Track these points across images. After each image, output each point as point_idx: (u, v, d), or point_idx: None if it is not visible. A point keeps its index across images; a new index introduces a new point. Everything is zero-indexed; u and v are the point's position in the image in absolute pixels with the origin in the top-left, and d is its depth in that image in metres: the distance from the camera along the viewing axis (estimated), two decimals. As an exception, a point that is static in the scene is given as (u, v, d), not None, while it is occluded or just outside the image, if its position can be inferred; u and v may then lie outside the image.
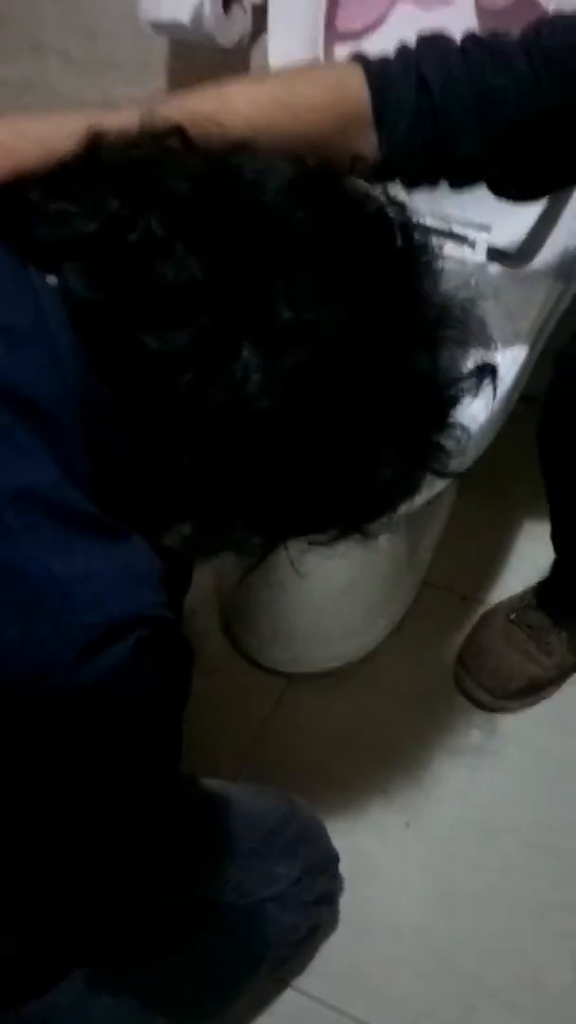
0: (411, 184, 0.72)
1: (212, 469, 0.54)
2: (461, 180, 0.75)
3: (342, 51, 0.99)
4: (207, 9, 1.08)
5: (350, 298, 0.54)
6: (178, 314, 0.51)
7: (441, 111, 0.69)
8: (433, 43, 0.71)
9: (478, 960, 0.98)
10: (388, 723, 1.14)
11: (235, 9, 1.12)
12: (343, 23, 0.97)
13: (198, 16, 1.08)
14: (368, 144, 0.69)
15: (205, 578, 1.17)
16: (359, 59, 0.70)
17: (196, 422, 0.52)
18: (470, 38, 0.71)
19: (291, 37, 0.97)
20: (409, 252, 0.58)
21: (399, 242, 0.58)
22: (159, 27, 1.12)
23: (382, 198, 0.60)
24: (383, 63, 0.70)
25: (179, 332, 0.51)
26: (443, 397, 0.59)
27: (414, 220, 0.59)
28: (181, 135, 0.58)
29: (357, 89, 0.69)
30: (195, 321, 0.51)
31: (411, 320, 0.56)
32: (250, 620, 1.16)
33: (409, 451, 0.58)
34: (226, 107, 0.65)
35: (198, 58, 1.19)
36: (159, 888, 0.83)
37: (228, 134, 0.60)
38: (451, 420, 0.60)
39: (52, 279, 0.53)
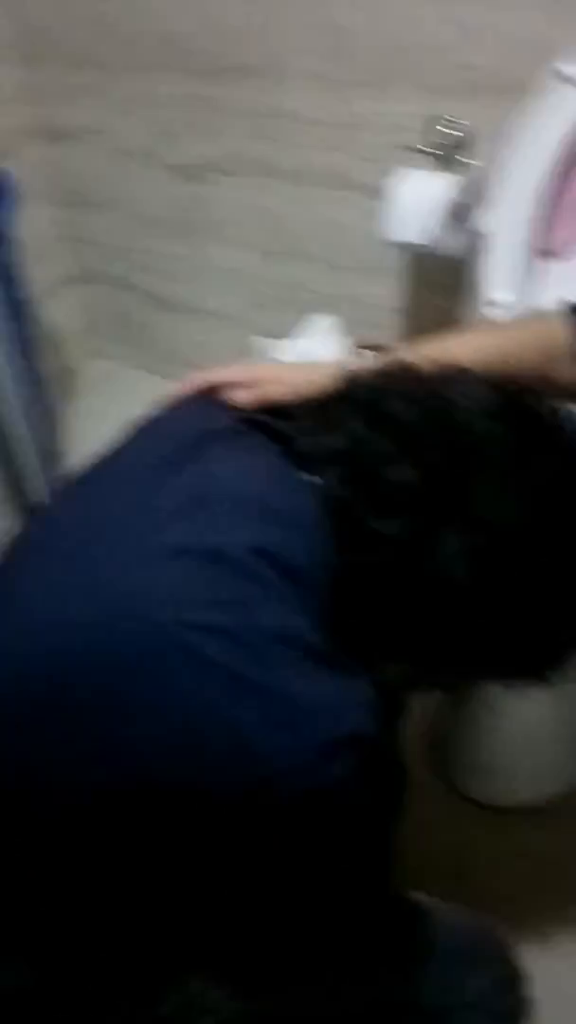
0: None
1: (420, 624, 0.69)
2: None
3: (550, 269, 1.17)
4: (438, 232, 1.32)
5: (532, 496, 0.68)
6: (398, 507, 0.67)
7: None
8: None
9: None
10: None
11: (464, 229, 1.35)
12: (552, 247, 1.16)
13: (429, 237, 1.32)
14: (573, 375, 0.85)
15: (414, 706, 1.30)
16: (565, 310, 0.87)
17: (409, 587, 0.68)
18: None
19: (504, 254, 1.16)
20: None
21: None
22: (400, 245, 1.36)
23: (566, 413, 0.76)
24: None
25: (398, 520, 0.67)
26: None
27: None
28: (409, 371, 0.77)
29: (561, 332, 0.85)
30: (410, 513, 0.67)
31: None
32: (453, 751, 1.27)
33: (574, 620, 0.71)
34: (460, 352, 0.83)
35: (427, 262, 1.42)
36: (362, 984, 0.92)
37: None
38: None
39: (309, 477, 0.72)
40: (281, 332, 1.71)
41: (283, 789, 0.63)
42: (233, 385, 0.84)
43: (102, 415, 2.04)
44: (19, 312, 1.67)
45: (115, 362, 2.17)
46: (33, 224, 1.94)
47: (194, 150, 1.66)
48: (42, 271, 2.00)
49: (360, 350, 1.46)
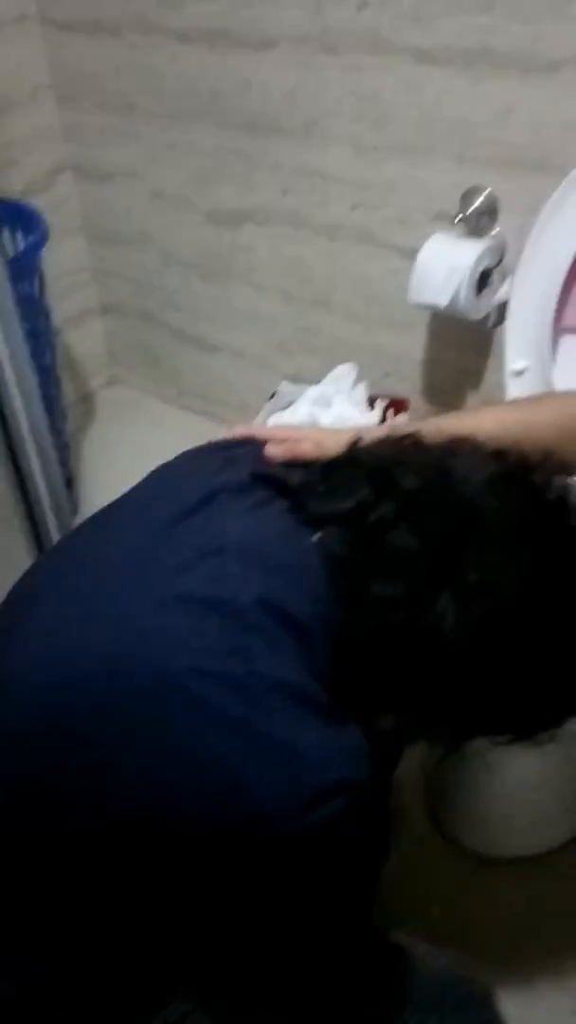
0: None
1: (414, 682, 0.73)
2: None
3: (568, 342, 1.23)
4: (462, 296, 1.37)
5: (527, 567, 0.72)
6: (398, 571, 0.72)
7: None
8: None
9: None
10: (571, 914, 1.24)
11: (486, 293, 1.40)
12: (570, 320, 1.21)
13: (455, 300, 1.37)
14: None
15: (413, 758, 1.34)
16: None
17: (405, 647, 0.72)
18: None
19: (526, 325, 1.22)
20: None
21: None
22: (424, 306, 1.41)
23: (564, 484, 0.80)
24: None
25: (397, 583, 0.71)
26: None
27: None
28: (416, 441, 0.82)
29: None
30: (409, 577, 0.71)
31: None
32: (449, 801, 1.31)
33: (570, 682, 0.76)
34: (478, 424, 0.89)
35: (452, 321, 1.47)
36: (340, 1021, 0.97)
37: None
38: None
39: (316, 536, 0.76)
40: (304, 375, 1.77)
41: (274, 831, 0.67)
42: (269, 439, 0.89)
43: (120, 442, 2.10)
44: (43, 343, 1.72)
45: (136, 391, 2.22)
46: (64, 256, 2.00)
47: (228, 198, 1.72)
48: (70, 301, 2.06)
49: (387, 411, 1.51)
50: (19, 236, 1.69)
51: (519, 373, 1.22)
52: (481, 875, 1.28)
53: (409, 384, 1.66)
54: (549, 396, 1.02)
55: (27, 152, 1.86)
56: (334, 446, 0.86)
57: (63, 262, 2.00)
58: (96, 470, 2.02)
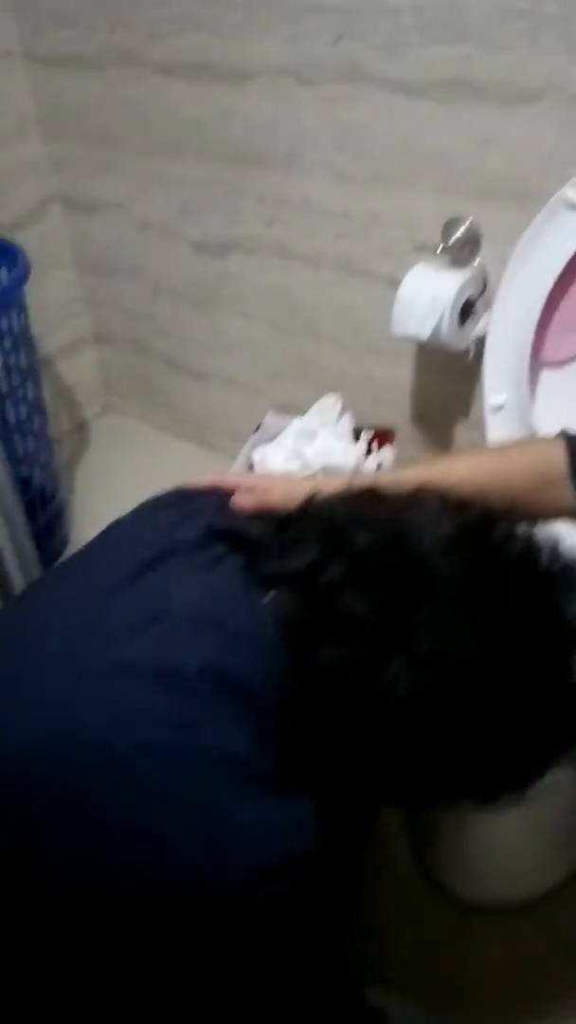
0: None
1: (366, 748, 0.71)
2: None
3: (547, 376, 1.20)
4: (444, 327, 1.35)
5: (480, 630, 0.69)
6: (347, 636, 0.69)
7: None
8: None
9: None
10: (556, 964, 1.21)
11: (469, 324, 1.38)
12: (549, 354, 1.19)
13: (437, 331, 1.35)
14: (568, 499, 0.88)
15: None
16: (564, 434, 0.91)
17: (355, 714, 0.70)
18: None
19: (504, 359, 1.20)
20: (544, 582, 0.73)
21: (537, 573, 0.73)
22: (407, 337, 1.39)
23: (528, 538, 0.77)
24: None
25: (347, 648, 0.69)
26: (563, 708, 0.73)
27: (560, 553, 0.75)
28: (372, 494, 0.80)
29: (557, 458, 0.88)
30: (358, 642, 0.69)
31: (539, 646, 0.71)
32: (432, 845, 1.28)
33: (530, 748, 0.73)
34: (452, 472, 0.88)
35: (438, 353, 1.44)
36: None
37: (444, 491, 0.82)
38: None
39: (267, 597, 0.74)
40: (296, 404, 1.75)
41: (221, 911, 0.66)
42: (237, 488, 0.87)
43: (114, 470, 2.10)
44: (28, 377, 1.71)
45: (130, 419, 2.21)
46: (55, 286, 2.00)
47: (214, 228, 1.70)
48: (63, 331, 2.06)
49: (372, 443, 1.49)
50: (1, 272, 1.69)
51: (498, 408, 1.19)
52: (463, 922, 1.26)
53: (398, 412, 1.64)
54: (526, 442, 1.00)
55: (14, 185, 1.86)
56: (303, 495, 0.84)
57: (54, 292, 2.00)
58: (89, 499, 2.01)
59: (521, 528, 0.76)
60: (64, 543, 1.90)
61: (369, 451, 1.52)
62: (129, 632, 0.72)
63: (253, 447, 1.56)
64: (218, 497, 0.87)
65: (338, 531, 0.74)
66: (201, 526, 0.80)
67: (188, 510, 0.84)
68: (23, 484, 1.78)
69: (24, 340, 1.68)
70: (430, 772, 0.72)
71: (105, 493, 2.01)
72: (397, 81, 1.32)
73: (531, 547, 0.75)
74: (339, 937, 0.78)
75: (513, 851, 1.24)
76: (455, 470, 0.89)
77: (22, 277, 1.61)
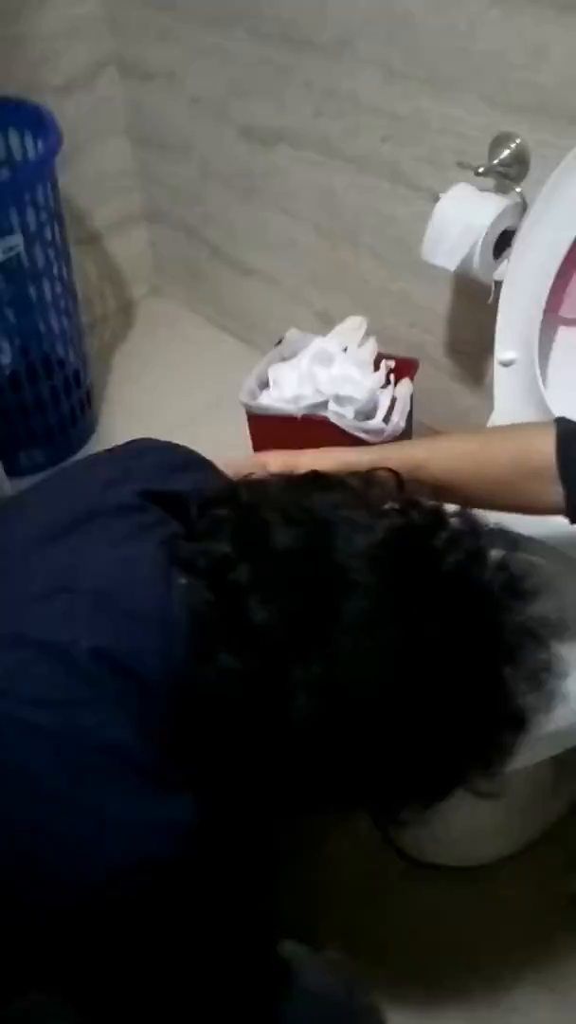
0: None
1: (255, 755, 0.66)
2: None
3: (565, 334, 1.08)
4: (476, 259, 1.22)
5: (395, 656, 0.62)
6: (243, 647, 0.64)
7: None
8: None
9: None
10: (489, 931, 1.20)
11: (503, 257, 1.25)
12: (567, 311, 1.06)
13: (468, 262, 1.23)
14: (554, 495, 0.81)
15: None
16: (559, 420, 0.82)
17: (246, 721, 0.65)
18: None
19: (518, 311, 1.08)
20: (480, 598, 0.66)
21: (474, 588, 0.66)
22: (437, 266, 1.27)
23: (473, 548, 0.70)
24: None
25: (239, 659, 0.63)
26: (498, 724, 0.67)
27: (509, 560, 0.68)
28: (313, 482, 0.72)
29: (545, 447, 0.81)
30: (253, 655, 0.63)
31: (465, 672, 0.64)
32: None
33: (442, 770, 0.67)
34: (433, 456, 0.83)
35: (475, 282, 1.32)
36: None
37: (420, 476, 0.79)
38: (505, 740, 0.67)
39: (183, 580, 0.67)
40: (333, 313, 1.65)
41: (72, 902, 0.63)
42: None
43: (152, 356, 2.04)
44: (58, 253, 1.65)
45: (175, 304, 2.14)
46: (107, 158, 1.90)
47: (261, 114, 1.57)
48: (111, 205, 1.98)
49: (391, 374, 1.40)
50: (33, 140, 1.60)
51: (507, 364, 1.08)
52: (412, 878, 1.25)
53: (432, 338, 1.52)
54: (515, 429, 0.90)
55: (69, 45, 1.75)
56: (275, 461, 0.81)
57: (106, 163, 1.91)
58: (123, 386, 1.97)
59: (468, 534, 0.69)
60: (90, 431, 1.88)
61: (387, 383, 1.43)
62: (31, 599, 0.68)
63: (270, 363, 1.48)
64: (166, 452, 0.82)
65: (256, 525, 0.67)
66: (136, 487, 0.75)
67: (130, 467, 0.79)
68: (58, 364, 1.76)
69: (56, 216, 1.61)
70: (327, 790, 0.67)
71: (140, 381, 1.97)
72: (453, -31, 1.16)
73: (474, 558, 0.67)
74: (235, 916, 0.76)
75: (470, 813, 1.21)
76: (431, 456, 0.84)
77: (53, 149, 1.52)
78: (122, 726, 0.65)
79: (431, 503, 0.72)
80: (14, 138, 1.63)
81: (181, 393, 1.91)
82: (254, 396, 1.45)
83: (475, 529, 0.70)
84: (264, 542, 0.66)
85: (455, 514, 0.71)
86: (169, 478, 0.78)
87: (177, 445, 0.83)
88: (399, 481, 0.79)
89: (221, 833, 0.68)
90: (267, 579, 0.65)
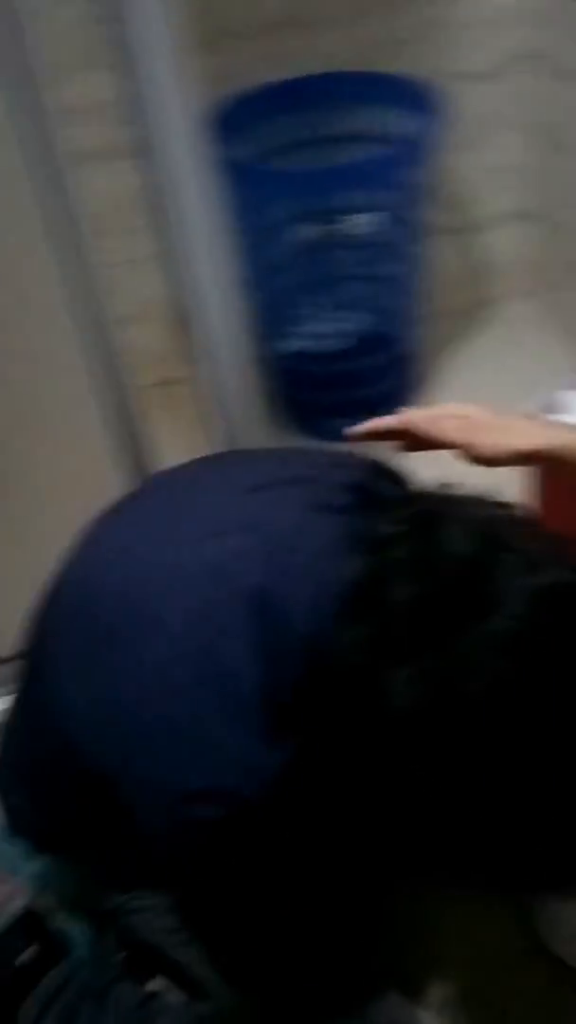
0: None
1: (356, 739, 0.64)
2: None
3: None
4: None
5: (510, 687, 0.59)
6: (379, 618, 0.64)
7: None
8: None
9: None
10: None
11: None
12: None
13: None
14: None
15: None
16: None
17: (356, 696, 0.63)
18: None
19: None
20: None
21: None
22: None
23: None
24: None
25: (370, 627, 0.64)
26: None
27: None
28: (508, 521, 0.70)
29: None
30: (383, 627, 0.64)
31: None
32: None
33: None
34: None
35: None
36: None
37: None
38: None
39: (358, 559, 0.69)
40: None
41: (142, 815, 0.67)
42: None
43: (492, 354, 1.97)
44: (416, 233, 1.65)
45: (530, 308, 2.06)
46: (497, 152, 1.87)
47: None
48: (490, 201, 1.95)
49: None
50: (419, 122, 1.60)
51: None
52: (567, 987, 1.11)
53: None
54: None
55: (489, 33, 1.73)
56: (506, 443, 0.83)
57: (496, 157, 1.88)
58: (452, 379, 1.94)
59: None
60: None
61: None
62: (213, 534, 0.74)
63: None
64: (374, 463, 0.86)
65: (433, 557, 0.65)
66: (341, 477, 0.80)
67: (336, 462, 0.85)
68: (395, 342, 1.77)
69: (428, 200, 1.62)
70: (424, 814, 0.62)
71: (469, 380, 1.92)
72: None
73: None
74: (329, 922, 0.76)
75: None
76: None
77: (435, 133, 1.53)
78: (257, 667, 0.67)
79: None
80: (400, 117, 1.64)
81: (506, 404, 1.84)
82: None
83: None
84: (431, 571, 0.65)
85: None
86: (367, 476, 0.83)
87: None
88: None
89: (311, 813, 0.68)
90: (421, 567, 0.64)
